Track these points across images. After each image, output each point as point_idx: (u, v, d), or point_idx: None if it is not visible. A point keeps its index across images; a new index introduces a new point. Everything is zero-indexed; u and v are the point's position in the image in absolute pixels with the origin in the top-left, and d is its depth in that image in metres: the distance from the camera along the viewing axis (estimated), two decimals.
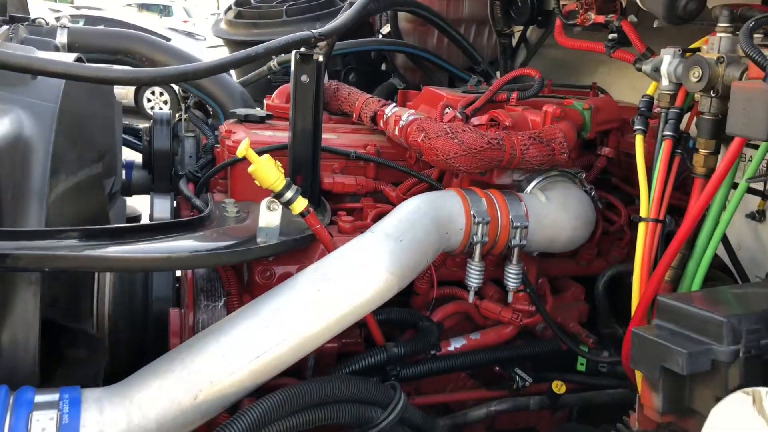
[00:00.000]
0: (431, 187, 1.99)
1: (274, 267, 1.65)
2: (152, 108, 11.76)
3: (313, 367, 1.75)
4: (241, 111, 2.24)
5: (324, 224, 1.80)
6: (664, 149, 1.71)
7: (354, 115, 2.30)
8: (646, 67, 1.79)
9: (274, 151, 1.99)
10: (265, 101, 2.54)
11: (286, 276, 1.66)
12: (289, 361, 1.36)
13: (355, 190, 2.03)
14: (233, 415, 1.28)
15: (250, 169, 1.50)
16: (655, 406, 1.11)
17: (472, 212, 1.67)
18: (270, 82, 2.95)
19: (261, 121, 2.21)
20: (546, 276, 2.06)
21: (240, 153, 1.46)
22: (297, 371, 1.68)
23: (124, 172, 2.82)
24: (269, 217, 1.56)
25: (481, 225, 1.66)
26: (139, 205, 2.89)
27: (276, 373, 1.36)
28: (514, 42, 3.02)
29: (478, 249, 1.70)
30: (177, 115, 2.64)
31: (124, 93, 10.35)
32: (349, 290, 1.39)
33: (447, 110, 1.95)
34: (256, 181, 1.52)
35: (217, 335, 1.33)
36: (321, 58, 1.91)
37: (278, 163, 1.54)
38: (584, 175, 1.97)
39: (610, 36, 2.14)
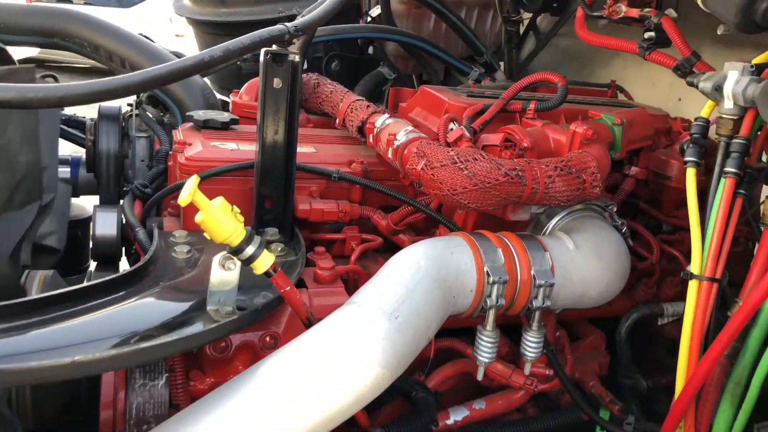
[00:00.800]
0: (431, 219, 1.63)
1: (231, 336, 1.28)
2: None
3: None
4: (200, 114, 1.84)
5: (295, 276, 1.42)
6: (724, 190, 1.37)
7: (337, 121, 1.93)
8: (705, 84, 1.43)
9: (238, 171, 1.62)
10: (231, 97, 2.14)
11: (246, 347, 1.30)
12: None
13: (337, 218, 1.66)
14: None
15: (197, 219, 1.13)
16: None
17: (485, 269, 1.32)
18: (239, 68, 2.55)
19: (224, 127, 1.82)
20: (561, 321, 1.74)
21: (183, 201, 1.08)
22: None
23: (69, 169, 2.43)
24: (224, 277, 1.20)
25: (496, 285, 1.31)
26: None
27: None
28: (522, 30, 2.65)
29: (491, 315, 1.35)
30: (127, 109, 2.23)
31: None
32: (329, 392, 1.04)
33: (452, 126, 1.58)
34: (206, 234, 1.15)
35: None
36: (297, 58, 1.52)
37: (236, 209, 1.16)
38: (615, 208, 1.63)
39: (646, 35, 1.78)
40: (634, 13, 1.82)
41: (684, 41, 1.68)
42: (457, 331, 1.62)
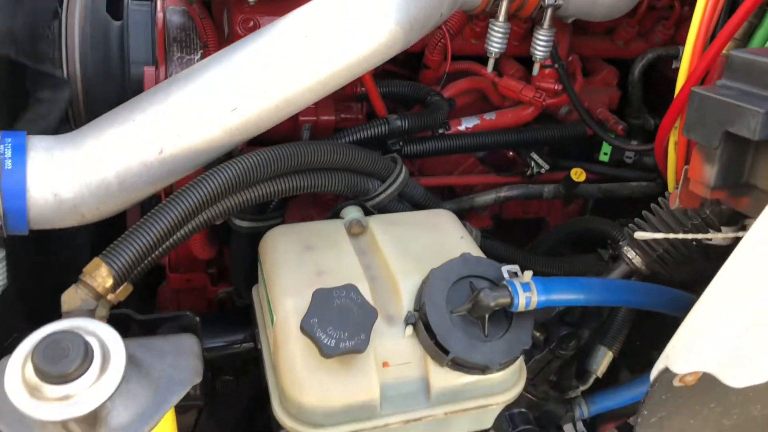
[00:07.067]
0: None
1: (258, 17, 1.38)
2: None
3: (308, 139, 1.56)
4: None
5: None
6: None
7: None
8: None
9: None
10: None
11: None
12: (270, 118, 1.15)
13: None
14: (208, 171, 1.10)
15: None
16: (706, 179, 0.92)
17: None
18: None
19: None
20: (577, 54, 1.80)
21: None
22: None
23: None
24: None
25: None
26: None
27: (256, 132, 1.17)
28: None
29: (504, 6, 1.42)
30: None
31: None
32: (345, 41, 1.14)
33: None
34: None
35: (184, 83, 1.12)
36: None
37: None
38: None
39: None
40: None
41: None
42: None
